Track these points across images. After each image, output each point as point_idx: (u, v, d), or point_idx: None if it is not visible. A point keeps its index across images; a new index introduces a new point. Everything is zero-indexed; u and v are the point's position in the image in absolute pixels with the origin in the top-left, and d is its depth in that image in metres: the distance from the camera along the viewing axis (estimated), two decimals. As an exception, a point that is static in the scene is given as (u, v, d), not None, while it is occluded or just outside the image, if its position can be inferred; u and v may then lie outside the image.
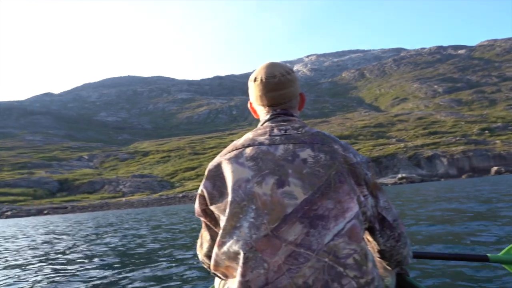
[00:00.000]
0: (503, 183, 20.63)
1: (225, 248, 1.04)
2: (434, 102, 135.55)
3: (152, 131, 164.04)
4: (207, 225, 1.20)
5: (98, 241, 7.89)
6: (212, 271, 1.12)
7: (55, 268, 4.67)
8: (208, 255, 1.22)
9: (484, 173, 55.14)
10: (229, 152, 1.13)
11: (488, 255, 1.71)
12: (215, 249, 1.07)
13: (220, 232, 1.06)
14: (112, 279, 3.64)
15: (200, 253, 1.27)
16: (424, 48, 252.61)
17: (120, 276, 3.77)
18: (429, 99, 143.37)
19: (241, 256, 0.99)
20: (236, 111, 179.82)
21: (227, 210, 1.05)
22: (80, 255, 5.79)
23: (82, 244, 7.41)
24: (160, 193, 55.23)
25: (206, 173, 1.15)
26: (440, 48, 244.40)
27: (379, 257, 1.24)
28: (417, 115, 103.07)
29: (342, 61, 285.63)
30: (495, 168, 54.91)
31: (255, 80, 1.22)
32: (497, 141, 66.43)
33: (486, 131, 76.24)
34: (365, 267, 0.99)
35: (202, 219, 1.19)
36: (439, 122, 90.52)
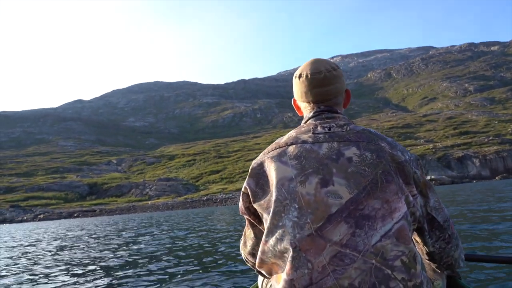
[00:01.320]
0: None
1: (270, 247, 1.03)
2: (465, 101, 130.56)
3: (178, 135, 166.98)
4: (250, 223, 1.19)
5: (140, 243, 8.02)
6: (257, 268, 1.12)
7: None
8: (252, 253, 1.22)
9: (519, 174, 52.50)
10: (272, 150, 1.12)
11: None
12: (261, 247, 1.06)
13: (266, 230, 1.05)
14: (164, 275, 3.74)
15: (244, 251, 1.26)
16: (454, 46, 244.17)
17: (166, 272, 3.90)
18: (460, 98, 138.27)
19: (288, 255, 0.99)
20: (260, 114, 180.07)
21: (271, 209, 1.04)
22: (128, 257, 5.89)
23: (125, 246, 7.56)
24: (185, 196, 55.98)
25: (249, 171, 1.15)
26: (471, 45, 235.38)
27: (427, 259, 1.20)
28: (446, 115, 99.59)
29: (367, 61, 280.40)
30: (531, 169, 52.18)
31: (300, 76, 1.20)
32: (534, 141, 63.13)
33: (522, 131, 72.59)
34: (414, 270, 0.96)
35: (246, 216, 1.18)
36: (470, 122, 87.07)
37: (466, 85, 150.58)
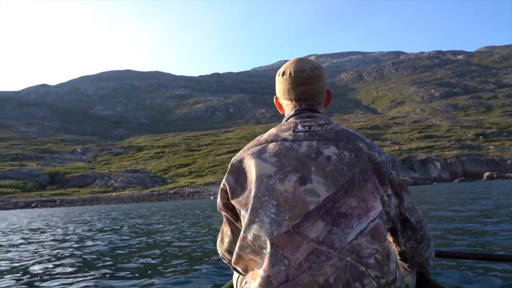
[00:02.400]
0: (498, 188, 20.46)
1: (249, 242, 1.03)
2: (431, 106, 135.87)
3: (148, 126, 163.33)
4: (228, 220, 1.19)
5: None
6: (233, 265, 1.12)
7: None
8: (229, 250, 1.23)
9: (476, 178, 55.21)
10: (253, 147, 1.13)
11: None
12: (239, 242, 1.06)
13: (243, 226, 1.05)
14: (133, 275, 3.48)
15: (221, 248, 1.26)
16: (423, 52, 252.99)
17: (139, 272, 3.63)
18: (426, 103, 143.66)
19: (265, 251, 1.00)
20: (233, 109, 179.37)
21: (249, 205, 1.04)
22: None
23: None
24: (152, 189, 54.82)
25: (229, 167, 1.15)
26: (439, 52, 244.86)
27: (399, 259, 1.23)
28: (413, 119, 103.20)
29: (341, 62, 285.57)
30: (487, 173, 54.99)
31: (283, 74, 1.20)
32: (491, 147, 66.58)
33: (481, 137, 76.39)
34: (387, 267, 0.98)
35: (224, 213, 1.19)
36: (434, 126, 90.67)
37: (433, 90, 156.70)
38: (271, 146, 1.09)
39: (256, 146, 1.13)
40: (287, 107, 1.23)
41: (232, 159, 1.16)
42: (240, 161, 1.13)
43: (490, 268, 2.86)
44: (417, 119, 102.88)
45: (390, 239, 1.19)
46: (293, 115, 1.18)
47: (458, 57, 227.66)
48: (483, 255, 1.69)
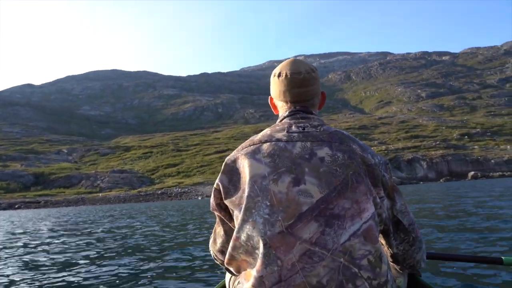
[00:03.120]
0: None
1: (242, 242, 1.03)
2: (417, 107, 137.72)
3: (136, 126, 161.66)
4: (221, 220, 1.19)
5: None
6: (226, 265, 1.12)
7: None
8: (221, 251, 1.22)
9: (461, 177, 56.14)
10: (247, 147, 1.13)
11: (503, 257, 1.65)
12: (232, 243, 1.06)
13: (236, 226, 1.06)
14: (123, 275, 3.43)
15: (213, 249, 1.26)
16: (409, 53, 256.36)
17: (132, 271, 3.58)
18: (412, 103, 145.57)
19: (258, 251, 1.00)
20: (222, 109, 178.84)
21: (243, 205, 1.04)
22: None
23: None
24: (139, 189, 54.22)
25: (222, 167, 1.15)
26: (425, 53, 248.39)
27: (391, 261, 1.24)
28: (400, 119, 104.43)
29: (329, 63, 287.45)
30: (472, 173, 55.98)
31: (279, 75, 1.20)
32: (476, 147, 67.83)
33: (466, 137, 77.74)
34: (379, 269, 0.98)
35: (217, 213, 1.18)
36: (421, 126, 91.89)
37: (419, 91, 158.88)
38: (265, 146, 1.09)
39: (250, 146, 1.12)
40: (282, 108, 1.22)
41: (226, 159, 1.16)
42: (234, 161, 1.12)
43: (479, 270, 2.93)
44: (404, 119, 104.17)
45: (382, 241, 1.19)
46: (287, 116, 1.18)
47: (444, 58, 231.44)
48: (472, 258, 1.71)
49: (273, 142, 1.10)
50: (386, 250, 1.20)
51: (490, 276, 2.76)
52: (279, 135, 1.11)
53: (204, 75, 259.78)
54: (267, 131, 1.16)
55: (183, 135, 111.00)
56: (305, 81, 1.17)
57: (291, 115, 1.17)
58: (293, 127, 1.12)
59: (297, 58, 1.25)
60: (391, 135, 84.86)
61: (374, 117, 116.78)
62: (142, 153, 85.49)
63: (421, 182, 54.29)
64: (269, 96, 1.30)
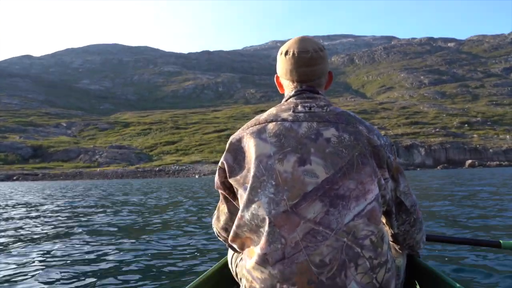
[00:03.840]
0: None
1: (246, 221, 1.05)
2: (419, 93, 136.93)
3: (135, 102, 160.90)
4: (225, 198, 1.20)
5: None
6: (229, 242, 1.14)
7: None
8: (225, 228, 1.23)
9: (459, 165, 56.37)
10: (252, 126, 1.13)
11: (501, 241, 1.66)
12: (237, 221, 1.08)
13: (241, 205, 1.07)
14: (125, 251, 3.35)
15: (217, 226, 1.27)
16: (415, 38, 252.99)
17: (131, 247, 3.53)
18: (415, 90, 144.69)
19: (263, 229, 1.01)
20: (222, 87, 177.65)
21: (248, 184, 1.05)
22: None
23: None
24: (137, 166, 54.37)
25: (227, 146, 1.15)
26: (430, 39, 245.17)
27: (391, 241, 1.26)
28: (401, 105, 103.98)
29: (332, 45, 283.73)
30: (469, 161, 56.16)
31: (286, 53, 1.18)
32: (475, 135, 67.84)
33: (466, 125, 77.63)
34: (380, 249, 1.00)
35: (221, 191, 1.19)
36: (421, 113, 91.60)
37: (422, 77, 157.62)
38: (271, 126, 1.09)
39: (255, 125, 1.12)
40: (288, 87, 1.21)
41: (231, 138, 1.16)
42: (239, 140, 1.13)
43: (477, 253, 2.97)
44: (405, 105, 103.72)
45: (384, 221, 1.20)
46: (293, 96, 1.17)
47: (449, 44, 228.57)
48: (470, 240, 1.72)
49: (279, 122, 1.09)
50: (387, 230, 1.21)
51: (488, 259, 2.78)
52: (285, 115, 1.11)
53: (205, 52, 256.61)
54: (272, 110, 1.15)
55: (183, 113, 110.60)
56: (312, 60, 1.15)
57: (297, 94, 1.16)
58: (299, 106, 1.12)
59: (305, 36, 1.22)
60: (391, 120, 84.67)
61: (375, 102, 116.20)
62: (141, 129, 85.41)
63: (419, 169, 54.50)
64: (275, 75, 1.28)
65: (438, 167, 55.61)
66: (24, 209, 7.93)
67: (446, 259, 2.82)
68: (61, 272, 2.63)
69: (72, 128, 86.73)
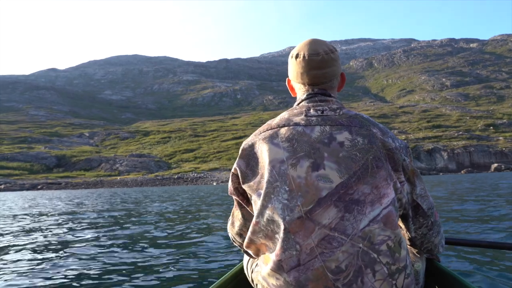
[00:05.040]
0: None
1: (262, 227, 1.03)
2: (441, 96, 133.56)
3: (156, 111, 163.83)
4: (239, 204, 1.19)
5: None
6: (244, 248, 1.12)
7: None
8: (240, 234, 1.22)
9: (484, 169, 54.40)
10: (264, 131, 1.11)
11: None
12: (251, 227, 1.06)
13: (256, 211, 1.05)
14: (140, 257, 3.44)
15: (232, 231, 1.26)
16: (435, 40, 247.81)
17: (147, 253, 3.62)
18: (436, 92, 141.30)
19: (278, 236, 1.00)
20: (240, 95, 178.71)
21: (262, 190, 1.04)
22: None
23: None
24: (156, 174, 55.12)
25: (240, 152, 1.13)
26: (451, 40, 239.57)
27: (409, 244, 1.24)
28: (422, 108, 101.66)
29: (350, 49, 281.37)
30: (495, 165, 54.12)
31: (297, 56, 1.16)
32: (501, 138, 65.41)
33: (491, 127, 75.01)
34: (398, 254, 0.98)
35: (235, 197, 1.18)
36: (443, 116, 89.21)
37: (444, 79, 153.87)
38: (283, 130, 1.08)
39: (267, 130, 1.11)
40: (300, 90, 1.19)
41: (243, 144, 1.14)
42: (252, 146, 1.11)
43: (499, 256, 2.91)
44: (426, 108, 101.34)
45: (401, 224, 1.18)
46: (305, 99, 1.15)
47: (472, 45, 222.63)
48: (491, 243, 1.66)
49: (291, 126, 1.08)
50: (404, 234, 1.20)
51: (509, 263, 2.71)
52: (297, 119, 1.09)
53: (223, 60, 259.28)
54: (284, 114, 1.13)
55: (202, 120, 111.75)
56: (323, 62, 1.13)
57: (309, 98, 1.15)
58: (311, 110, 1.10)
59: (316, 38, 1.19)
60: (412, 124, 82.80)
61: (395, 105, 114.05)
62: (161, 138, 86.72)
63: (441, 173, 52.97)
64: (287, 78, 1.26)
65: (462, 172, 53.84)
66: (63, 217, 8.11)
67: (468, 263, 2.74)
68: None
69: (94, 138, 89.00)
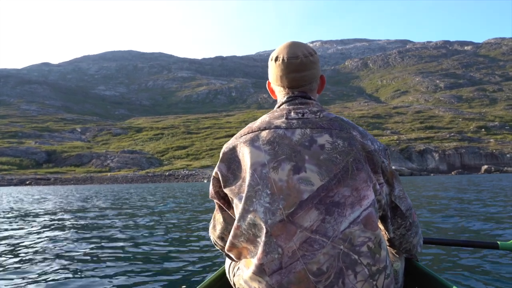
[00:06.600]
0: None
1: (243, 231, 1.03)
2: (435, 97, 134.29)
3: (150, 107, 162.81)
4: (220, 207, 1.19)
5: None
6: (226, 252, 1.12)
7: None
8: (221, 237, 1.22)
9: (474, 170, 54.78)
10: (245, 134, 1.11)
11: (499, 242, 1.67)
12: (233, 231, 1.06)
13: (237, 215, 1.05)
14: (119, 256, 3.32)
15: (213, 235, 1.26)
16: (430, 42, 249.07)
17: (129, 254, 3.45)
18: (430, 94, 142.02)
19: (259, 239, 1.00)
20: (235, 93, 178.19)
21: (243, 194, 1.03)
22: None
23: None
24: (147, 170, 54.75)
25: (221, 155, 1.13)
26: (446, 42, 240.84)
27: (388, 245, 1.24)
28: (415, 109, 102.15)
29: (346, 49, 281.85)
30: (485, 167, 54.51)
31: (276, 59, 1.16)
32: (492, 140, 65.91)
33: (483, 129, 75.58)
34: (378, 255, 0.99)
35: (216, 201, 1.18)
36: (436, 117, 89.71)
37: (437, 81, 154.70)
38: (264, 133, 1.07)
39: (248, 133, 1.10)
40: (280, 93, 1.20)
41: (224, 147, 1.14)
42: (233, 149, 1.11)
43: (475, 254, 3.01)
44: (420, 109, 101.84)
45: (380, 226, 1.19)
46: (285, 102, 1.15)
47: (466, 47, 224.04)
48: (468, 242, 1.71)
49: (272, 129, 1.07)
50: (383, 235, 1.19)
51: (486, 261, 2.78)
52: (278, 122, 1.09)
53: (219, 58, 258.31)
54: (265, 117, 1.14)
55: (196, 117, 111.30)
56: (302, 65, 1.13)
57: (289, 100, 1.15)
58: (292, 113, 1.10)
59: (296, 41, 1.19)
60: (405, 125, 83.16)
61: (389, 106, 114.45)
62: (153, 134, 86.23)
63: (432, 174, 53.23)
64: (267, 81, 1.26)
65: (453, 173, 54.17)
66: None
67: (445, 262, 2.81)
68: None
69: (86, 134, 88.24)
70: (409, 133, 73.88)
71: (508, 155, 56.82)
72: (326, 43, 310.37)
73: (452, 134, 69.38)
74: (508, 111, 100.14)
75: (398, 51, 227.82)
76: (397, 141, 62.88)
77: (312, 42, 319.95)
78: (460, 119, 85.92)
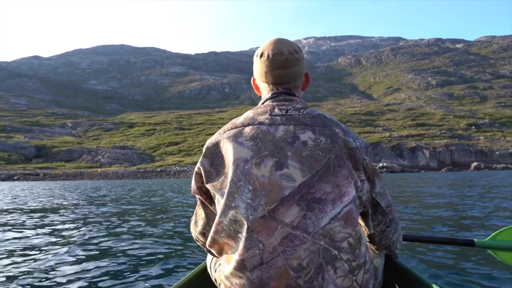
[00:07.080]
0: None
1: (225, 227, 1.04)
2: (426, 94, 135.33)
3: (142, 103, 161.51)
4: (202, 203, 1.19)
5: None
6: (207, 247, 1.13)
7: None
8: (203, 233, 1.23)
9: (464, 167, 55.36)
10: (228, 130, 1.11)
11: (475, 240, 1.73)
12: (214, 227, 1.06)
13: (219, 211, 1.06)
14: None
15: (195, 230, 1.26)
16: (422, 39, 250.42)
17: (113, 250, 3.46)
18: (422, 91, 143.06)
19: (241, 235, 1.01)
20: (228, 89, 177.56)
21: (225, 190, 1.04)
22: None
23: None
24: (138, 166, 54.35)
25: (204, 150, 1.13)
26: (438, 40, 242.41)
27: (368, 241, 1.26)
28: (407, 106, 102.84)
29: (339, 46, 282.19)
30: (474, 164, 55.13)
31: (261, 55, 1.17)
32: (481, 137, 66.62)
33: (473, 127, 76.38)
34: (358, 251, 1.00)
35: (198, 196, 1.19)
36: (428, 114, 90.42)
37: (429, 78, 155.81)
38: (247, 129, 1.08)
39: (232, 129, 1.11)
40: (264, 89, 1.21)
41: (207, 142, 1.14)
42: (216, 145, 1.11)
43: (453, 251, 3.11)
44: (411, 106, 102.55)
45: (360, 222, 1.20)
46: (270, 98, 1.16)
47: (458, 45, 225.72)
48: (445, 240, 1.77)
49: (256, 125, 1.08)
50: (363, 231, 1.20)
51: (463, 258, 2.88)
52: (262, 118, 1.10)
53: (212, 53, 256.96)
54: (249, 113, 1.14)
55: (188, 113, 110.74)
56: (287, 62, 1.14)
57: (273, 97, 1.15)
58: (275, 109, 1.11)
59: (281, 38, 1.20)
60: (397, 122, 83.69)
61: (381, 103, 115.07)
62: (145, 130, 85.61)
63: (423, 171, 53.68)
64: (252, 77, 1.28)
65: (443, 170, 54.68)
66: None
67: (424, 259, 2.88)
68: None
69: (77, 128, 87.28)
70: (400, 130, 74.35)
71: (497, 153, 57.49)
72: (320, 40, 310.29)
73: (443, 131, 69.98)
74: (498, 109, 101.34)
75: (391, 48, 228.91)
76: (389, 138, 63.23)
77: (306, 39, 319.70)
78: (451, 117, 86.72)
